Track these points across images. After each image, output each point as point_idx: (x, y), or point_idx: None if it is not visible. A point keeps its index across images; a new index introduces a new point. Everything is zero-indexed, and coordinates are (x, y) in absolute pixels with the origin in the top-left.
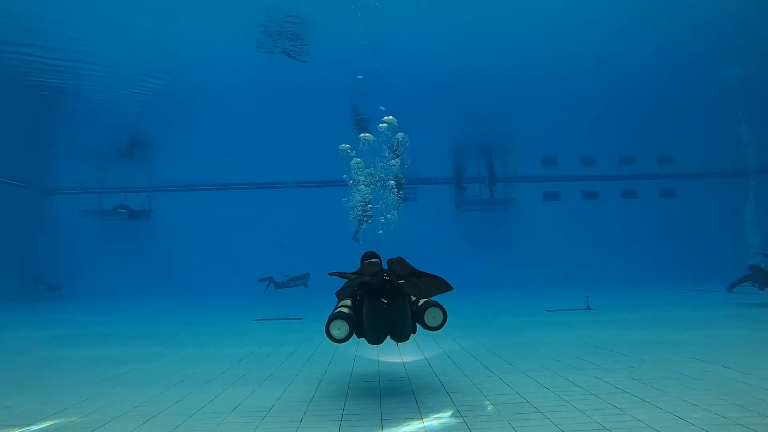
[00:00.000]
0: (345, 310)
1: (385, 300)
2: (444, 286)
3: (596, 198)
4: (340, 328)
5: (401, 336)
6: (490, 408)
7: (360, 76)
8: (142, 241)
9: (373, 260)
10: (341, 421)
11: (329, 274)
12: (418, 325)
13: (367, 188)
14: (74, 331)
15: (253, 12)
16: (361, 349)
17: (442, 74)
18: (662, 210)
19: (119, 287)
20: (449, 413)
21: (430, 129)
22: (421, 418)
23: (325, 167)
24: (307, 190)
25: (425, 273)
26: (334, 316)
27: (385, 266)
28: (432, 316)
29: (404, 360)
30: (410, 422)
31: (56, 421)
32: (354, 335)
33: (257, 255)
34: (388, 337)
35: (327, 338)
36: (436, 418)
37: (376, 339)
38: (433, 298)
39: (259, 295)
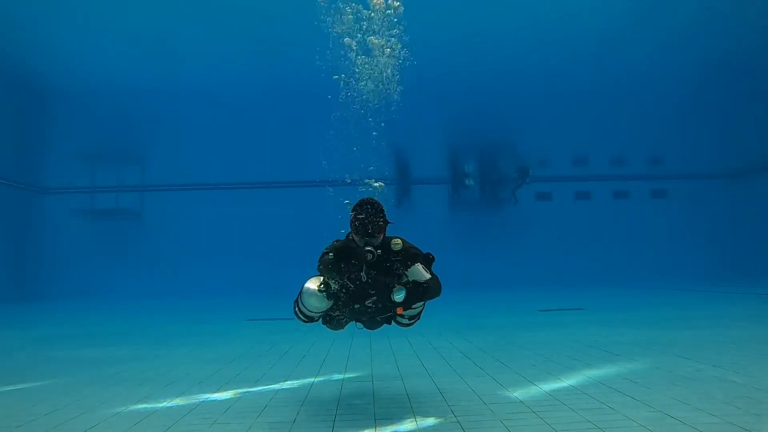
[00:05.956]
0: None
1: None
2: None
3: (588, 198)
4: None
5: None
6: (482, 408)
7: (336, 76)
8: (133, 241)
9: None
10: (334, 421)
11: None
12: None
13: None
14: (65, 331)
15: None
16: (353, 349)
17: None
18: (654, 210)
19: (110, 287)
20: (443, 413)
21: (427, 128)
22: (415, 418)
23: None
24: (303, 190)
25: None
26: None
27: None
28: None
29: (397, 360)
30: (404, 422)
31: (47, 422)
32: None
33: (249, 255)
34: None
35: (322, 336)
36: (429, 417)
37: None
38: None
39: (253, 295)
